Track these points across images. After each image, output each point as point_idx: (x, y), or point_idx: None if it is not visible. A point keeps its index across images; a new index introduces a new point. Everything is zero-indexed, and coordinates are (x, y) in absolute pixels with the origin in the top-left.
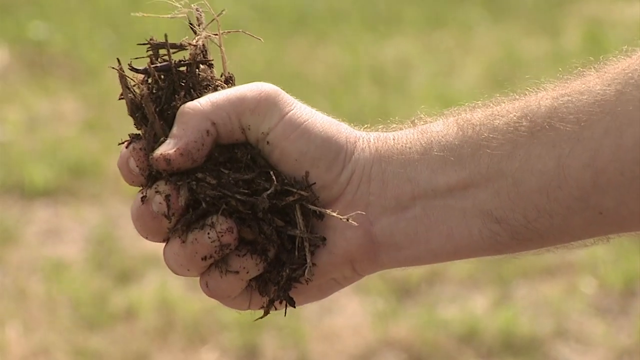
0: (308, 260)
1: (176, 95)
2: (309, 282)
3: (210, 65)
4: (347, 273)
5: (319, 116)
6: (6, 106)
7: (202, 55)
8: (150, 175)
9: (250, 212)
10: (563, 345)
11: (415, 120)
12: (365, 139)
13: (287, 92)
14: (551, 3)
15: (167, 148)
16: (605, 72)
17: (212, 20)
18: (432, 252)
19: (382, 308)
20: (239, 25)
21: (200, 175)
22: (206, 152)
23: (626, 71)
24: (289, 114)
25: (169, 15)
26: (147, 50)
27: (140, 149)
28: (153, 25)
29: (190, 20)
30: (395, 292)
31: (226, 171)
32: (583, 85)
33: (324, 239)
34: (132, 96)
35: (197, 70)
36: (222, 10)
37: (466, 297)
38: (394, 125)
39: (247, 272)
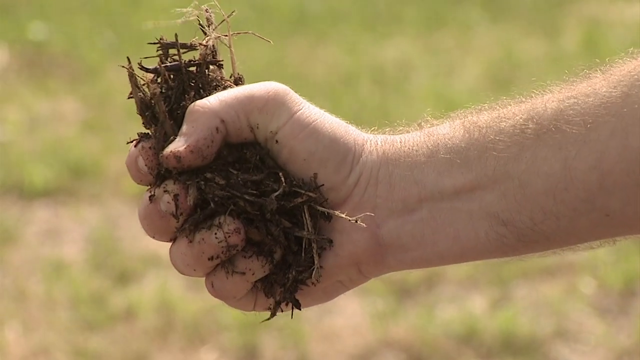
0: (316, 262)
1: (186, 95)
2: (315, 284)
3: (220, 66)
4: (353, 275)
5: (327, 117)
6: (6, 106)
7: (212, 56)
8: (158, 174)
9: (258, 213)
10: (563, 345)
11: (422, 123)
12: (372, 141)
13: None
14: (551, 3)
15: (177, 145)
16: (611, 74)
17: (222, 21)
18: (438, 254)
19: (381, 308)
20: (239, 25)
21: (209, 175)
22: (216, 150)
23: (632, 73)
24: (297, 114)
25: (180, 20)
26: (157, 50)
27: (150, 147)
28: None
29: (200, 21)
30: (394, 292)
31: (235, 172)
32: (589, 88)
33: (331, 241)
34: (142, 95)
35: (206, 70)
36: (233, 11)
37: (466, 298)
38: (401, 128)
39: (253, 274)
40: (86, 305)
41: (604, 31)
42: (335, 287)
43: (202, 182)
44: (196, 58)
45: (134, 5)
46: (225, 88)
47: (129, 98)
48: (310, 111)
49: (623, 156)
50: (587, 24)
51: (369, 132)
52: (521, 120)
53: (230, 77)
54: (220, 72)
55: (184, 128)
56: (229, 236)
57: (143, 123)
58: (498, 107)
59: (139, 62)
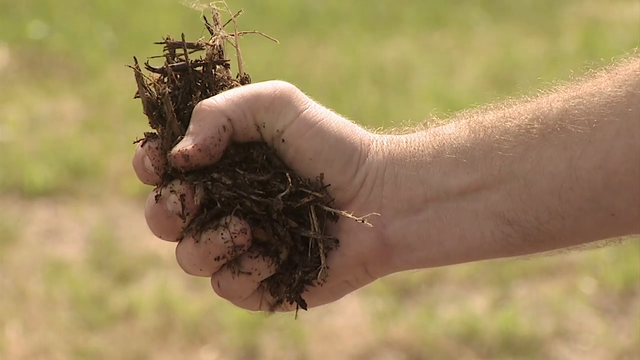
0: (322, 262)
1: (192, 95)
2: (322, 284)
3: (227, 66)
4: (360, 275)
5: (333, 116)
6: (6, 106)
7: (218, 56)
8: (165, 174)
9: (265, 213)
10: (563, 345)
11: (427, 123)
12: (378, 141)
13: None
14: (551, 3)
15: (185, 145)
16: (616, 74)
17: (229, 21)
18: (444, 254)
19: (381, 308)
20: (239, 25)
21: (215, 175)
22: (223, 148)
23: (637, 72)
24: (303, 112)
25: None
26: (164, 50)
27: (156, 147)
28: (153, 26)
29: (206, 20)
30: (395, 292)
31: (241, 172)
32: (594, 87)
33: (337, 241)
34: (149, 95)
35: (213, 70)
36: (239, 11)
37: (466, 298)
38: (407, 128)
39: (259, 274)
40: (86, 305)
41: (603, 31)
42: (342, 286)
43: (209, 182)
44: (203, 58)
45: (134, 4)
46: (231, 88)
47: (135, 97)
48: (316, 110)
49: (628, 156)
50: (587, 24)
51: (375, 132)
52: (526, 120)
53: (237, 76)
54: (227, 72)
55: (191, 127)
56: (235, 236)
57: (150, 123)
58: (503, 107)
59: (146, 62)
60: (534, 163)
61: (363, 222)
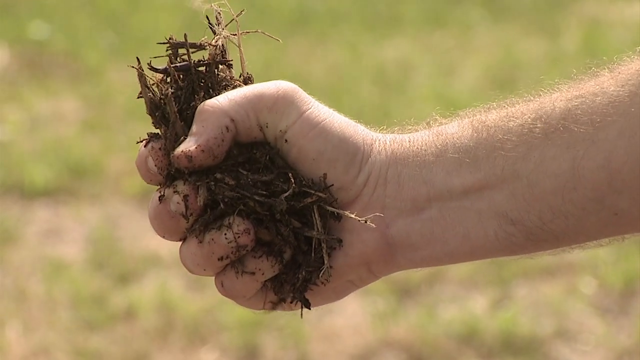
0: (325, 262)
1: (195, 95)
2: (325, 284)
3: (229, 66)
4: (363, 274)
5: (336, 116)
6: (6, 106)
7: (221, 56)
8: (168, 174)
9: (268, 213)
10: (563, 345)
11: (430, 122)
12: (381, 140)
13: None
14: (551, 3)
15: (188, 145)
16: (619, 73)
17: (231, 21)
18: (448, 253)
19: (382, 308)
20: (240, 25)
21: (219, 175)
22: (226, 149)
23: None
24: (306, 113)
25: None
26: (167, 50)
27: (159, 148)
28: (153, 26)
29: (209, 20)
30: (395, 292)
31: (245, 172)
32: (597, 87)
33: (341, 240)
34: (152, 95)
35: (216, 70)
36: (242, 11)
37: (466, 298)
38: (410, 127)
39: (263, 274)
40: (86, 305)
41: (604, 31)
42: (346, 286)
43: (212, 183)
44: (205, 58)
45: (134, 5)
46: (234, 88)
47: (138, 98)
48: (319, 110)
49: (631, 155)
50: (587, 24)
51: (378, 131)
52: (529, 119)
53: (240, 76)
54: (230, 72)
55: (194, 128)
56: (239, 236)
57: (153, 123)
58: (506, 106)
59: (149, 62)
60: (537, 163)
61: (366, 222)
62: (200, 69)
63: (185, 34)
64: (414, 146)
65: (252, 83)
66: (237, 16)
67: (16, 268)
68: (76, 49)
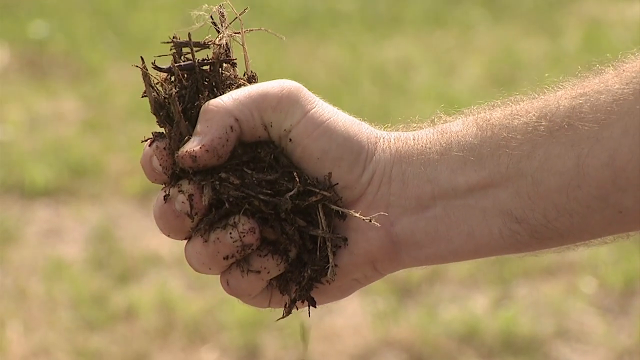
0: (331, 261)
1: (199, 95)
2: (330, 282)
3: (234, 64)
4: (368, 272)
5: (341, 115)
6: (6, 106)
7: (225, 55)
8: (173, 173)
9: (273, 212)
10: (563, 345)
11: (435, 120)
12: (386, 139)
13: None
14: (551, 3)
15: (192, 145)
16: (624, 71)
17: (234, 19)
18: (452, 251)
19: (382, 308)
20: (237, 25)
21: (223, 175)
22: (230, 148)
23: None
24: (311, 112)
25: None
26: (171, 49)
27: (164, 147)
28: (152, 26)
29: (213, 19)
30: (395, 292)
31: (249, 171)
32: (601, 84)
33: (346, 239)
34: (156, 95)
35: (220, 69)
36: (245, 9)
37: (466, 297)
38: (414, 125)
39: (268, 272)
40: (87, 305)
41: (604, 31)
42: (351, 284)
43: (217, 182)
44: (209, 57)
45: (134, 5)
46: (239, 86)
47: (142, 97)
48: (323, 109)
49: (636, 153)
50: (588, 23)
51: (382, 129)
52: (534, 117)
53: (244, 75)
54: (234, 71)
55: (199, 127)
56: (244, 236)
57: (157, 122)
58: (510, 104)
59: (153, 61)
60: (542, 161)
61: (370, 221)
62: (204, 68)
63: (189, 33)
64: (419, 144)
65: (256, 81)
66: (240, 15)
67: (16, 268)
68: (76, 49)
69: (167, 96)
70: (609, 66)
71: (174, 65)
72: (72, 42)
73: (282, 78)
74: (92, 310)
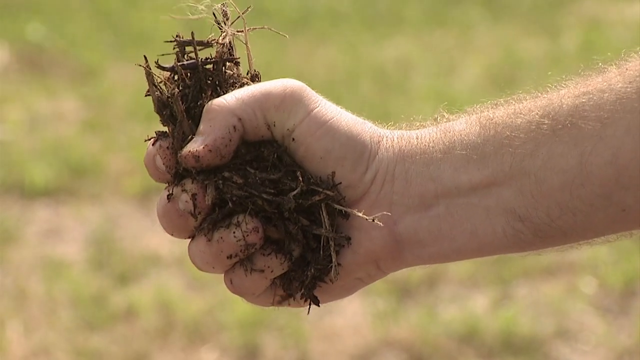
0: (334, 260)
1: (203, 94)
2: (333, 281)
3: (237, 63)
4: (372, 271)
5: (344, 114)
6: (6, 106)
7: (228, 53)
8: (176, 172)
9: (276, 211)
10: (564, 345)
11: (438, 118)
12: (389, 138)
13: None
14: (551, 3)
15: (195, 145)
16: (627, 69)
17: (237, 18)
18: (456, 249)
19: (382, 308)
20: (240, 24)
21: (227, 174)
22: (233, 148)
23: None
24: (314, 111)
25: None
26: (174, 48)
27: (167, 147)
28: (152, 25)
29: (216, 17)
30: (395, 292)
31: (253, 170)
32: (604, 83)
33: (349, 238)
34: (159, 94)
35: (223, 68)
36: (248, 7)
37: (466, 297)
38: (417, 124)
39: (272, 271)
40: (87, 304)
41: (604, 31)
42: (354, 283)
43: (220, 182)
44: (213, 55)
45: (133, 5)
46: (242, 85)
47: (146, 96)
48: (326, 109)
49: (639, 152)
50: (587, 23)
51: (385, 127)
52: (537, 116)
53: (247, 73)
54: (237, 69)
55: (202, 127)
56: (248, 235)
57: (160, 121)
58: (513, 103)
59: (156, 60)
60: (545, 159)
61: (374, 221)
62: (207, 66)
63: (192, 32)
64: (422, 143)
65: (260, 80)
66: (243, 13)
67: (16, 268)
68: (76, 49)
69: (170, 95)
70: (612, 65)
71: (177, 64)
72: (72, 42)
73: (282, 78)
74: (92, 310)
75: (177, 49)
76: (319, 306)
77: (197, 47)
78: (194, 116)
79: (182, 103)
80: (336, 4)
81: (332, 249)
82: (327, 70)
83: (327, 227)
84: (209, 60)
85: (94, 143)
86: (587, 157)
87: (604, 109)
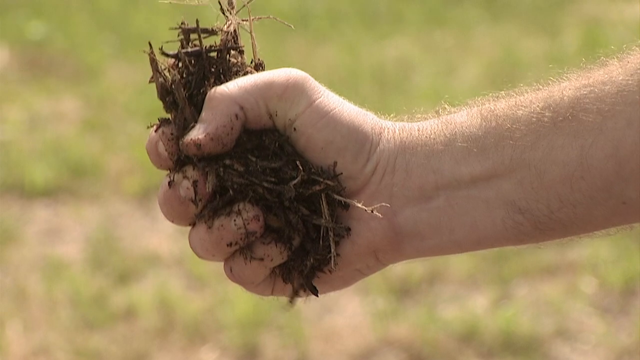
0: (332, 250)
1: (206, 81)
2: (332, 272)
3: (241, 52)
4: (371, 262)
5: (346, 105)
6: (6, 106)
7: (233, 41)
8: (178, 159)
9: (277, 200)
10: (563, 344)
11: (439, 111)
12: (390, 129)
13: None
14: (551, 3)
15: (197, 133)
16: (628, 62)
17: (242, 7)
18: (455, 242)
19: (382, 308)
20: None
21: (228, 162)
22: (235, 136)
23: None
24: (316, 102)
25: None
26: (179, 35)
27: (170, 133)
28: (152, 26)
29: (221, 5)
30: (395, 291)
31: (254, 158)
32: (606, 76)
33: (349, 229)
34: (163, 80)
35: (227, 56)
36: None
37: (466, 297)
38: (419, 116)
39: (272, 260)
40: (86, 304)
41: (604, 31)
42: (353, 274)
43: (221, 169)
44: (217, 43)
45: (133, 5)
46: (245, 74)
47: (149, 82)
48: (329, 99)
49: (639, 145)
50: (587, 23)
51: (387, 119)
52: (538, 108)
53: (251, 62)
54: (241, 58)
55: (204, 115)
56: (248, 223)
57: (164, 108)
58: (515, 95)
59: (161, 47)
60: (545, 152)
61: (372, 212)
62: (211, 54)
63: (197, 20)
64: (423, 135)
65: (264, 69)
66: (248, 2)
67: (16, 268)
68: (76, 49)
69: (172, 81)
70: (614, 58)
71: (181, 51)
72: (71, 41)
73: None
74: (92, 310)
75: (182, 37)
76: (317, 296)
77: (202, 35)
78: (197, 103)
79: (185, 90)
80: (336, 3)
81: (331, 239)
82: (327, 70)
83: (327, 217)
84: (213, 47)
85: (93, 143)
86: (587, 150)
87: (605, 102)
